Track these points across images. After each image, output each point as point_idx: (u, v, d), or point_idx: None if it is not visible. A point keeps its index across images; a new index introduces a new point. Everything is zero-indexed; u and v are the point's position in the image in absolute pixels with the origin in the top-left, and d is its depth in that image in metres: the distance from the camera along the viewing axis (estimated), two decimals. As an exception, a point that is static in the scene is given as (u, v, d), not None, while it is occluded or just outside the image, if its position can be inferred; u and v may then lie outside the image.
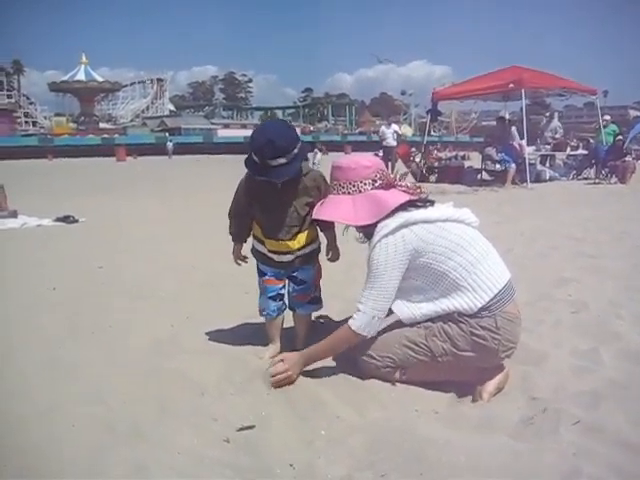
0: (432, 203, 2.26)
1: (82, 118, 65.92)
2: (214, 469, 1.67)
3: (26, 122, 65.35)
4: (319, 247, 2.59)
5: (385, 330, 2.28)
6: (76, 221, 7.31)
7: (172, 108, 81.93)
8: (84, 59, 69.74)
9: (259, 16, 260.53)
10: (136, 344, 2.72)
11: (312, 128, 66.67)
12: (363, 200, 2.22)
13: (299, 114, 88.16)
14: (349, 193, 2.25)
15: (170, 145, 38.69)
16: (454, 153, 17.14)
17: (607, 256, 4.57)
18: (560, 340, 2.68)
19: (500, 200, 9.35)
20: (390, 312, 2.23)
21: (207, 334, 2.85)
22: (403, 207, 2.18)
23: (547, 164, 14.23)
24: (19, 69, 78.36)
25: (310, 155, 12.20)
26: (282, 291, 2.59)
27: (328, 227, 2.54)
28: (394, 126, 16.69)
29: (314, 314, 2.73)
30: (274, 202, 2.41)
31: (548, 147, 14.49)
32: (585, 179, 13.38)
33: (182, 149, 39.68)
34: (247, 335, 2.78)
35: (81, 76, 68.08)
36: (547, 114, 17.25)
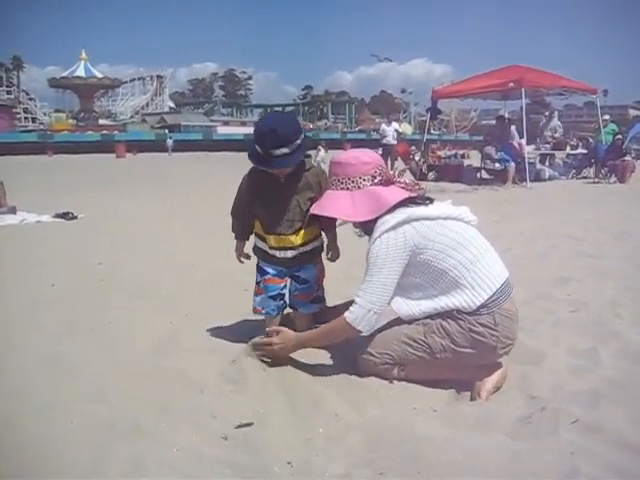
0: (431, 200, 2.26)
1: (82, 114, 65.81)
2: (212, 466, 1.67)
3: (25, 118, 65.25)
4: (322, 245, 2.59)
5: (384, 327, 2.28)
6: (75, 217, 7.31)
7: (172, 105, 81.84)
8: (84, 55, 69.59)
9: (259, 13, 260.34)
10: (135, 342, 2.72)
11: (312, 126, 66.52)
12: (362, 196, 2.22)
13: (299, 112, 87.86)
14: (348, 189, 2.25)
15: (170, 142, 38.61)
16: (453, 152, 17.10)
17: (607, 256, 4.57)
18: (559, 339, 2.68)
19: (499, 199, 9.35)
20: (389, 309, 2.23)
21: (206, 332, 2.85)
22: (403, 203, 2.18)
23: (547, 163, 14.25)
24: (19, 65, 78.30)
25: (313, 153, 12.18)
26: (283, 291, 2.59)
27: (329, 226, 2.54)
28: (395, 124, 16.64)
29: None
30: (277, 196, 2.41)
31: (548, 146, 14.50)
32: (584, 178, 13.40)
33: (182, 146, 39.60)
34: (246, 333, 2.77)
35: (81, 72, 67.94)
36: (547, 113, 17.20)
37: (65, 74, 70.17)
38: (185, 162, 26.57)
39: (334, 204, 2.26)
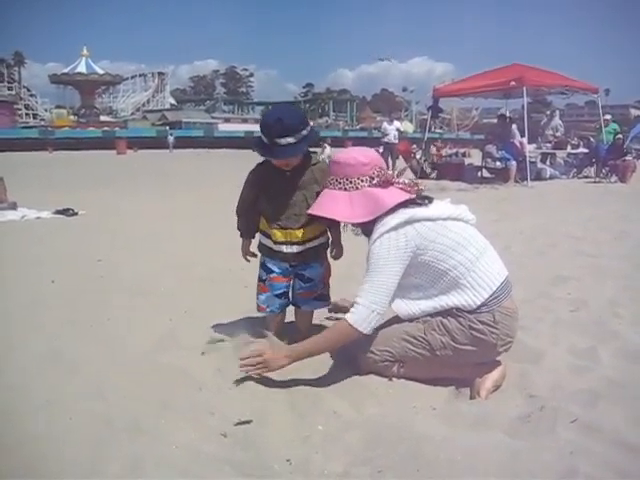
0: (430, 200, 2.25)
1: (83, 111, 65.62)
2: (211, 463, 1.67)
3: (26, 114, 65.17)
4: (327, 242, 2.58)
5: (383, 325, 2.27)
6: (75, 214, 7.30)
7: (173, 102, 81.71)
8: (85, 52, 69.38)
9: (261, 11, 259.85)
10: (134, 339, 2.72)
11: (313, 124, 66.16)
12: (360, 197, 2.20)
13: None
14: (346, 189, 2.23)
15: (171, 139, 38.57)
16: (455, 150, 17.06)
17: (607, 255, 4.57)
18: (558, 338, 2.68)
19: (500, 198, 9.35)
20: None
21: (206, 329, 2.84)
22: (404, 204, 2.17)
23: (548, 162, 14.22)
24: (20, 61, 78.26)
25: (318, 150, 12.16)
26: (288, 289, 2.59)
27: (334, 224, 2.53)
28: (396, 123, 16.59)
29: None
30: (282, 190, 2.41)
31: (549, 145, 14.48)
32: (585, 178, 13.37)
33: (183, 143, 39.53)
34: (246, 330, 2.77)
35: (82, 68, 67.73)
36: (548, 112, 17.17)
37: (66, 70, 69.91)
38: (186, 159, 26.55)
39: (332, 205, 2.25)
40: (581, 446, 1.70)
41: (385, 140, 15.73)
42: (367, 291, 2.12)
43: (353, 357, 2.30)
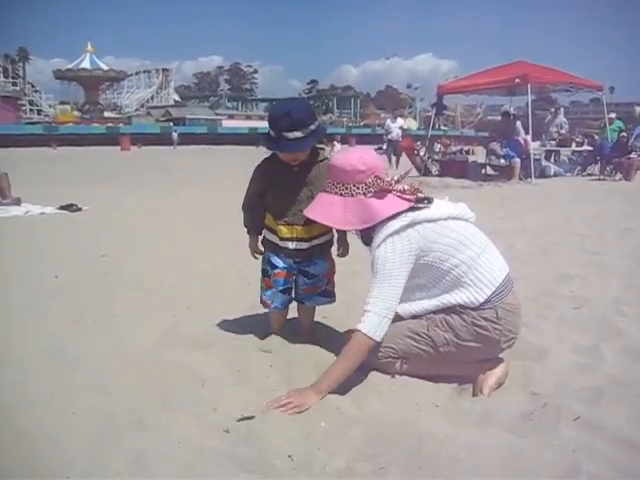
0: (430, 200, 2.23)
1: (87, 107, 65.78)
2: (214, 459, 1.67)
3: (31, 110, 65.45)
4: (332, 239, 2.58)
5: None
6: (79, 209, 7.31)
7: (177, 98, 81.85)
8: (90, 47, 69.48)
9: (266, 7, 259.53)
10: (137, 335, 2.73)
11: (317, 120, 66.29)
12: (354, 205, 2.16)
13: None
14: (341, 194, 2.19)
15: (175, 135, 38.58)
16: (459, 147, 17.01)
17: (611, 253, 4.56)
18: (562, 336, 2.68)
19: (504, 195, 9.32)
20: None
21: (208, 325, 2.84)
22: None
23: (552, 160, 14.18)
24: (24, 57, 78.39)
25: (327, 148, 12.16)
26: (291, 285, 2.58)
27: None
28: (400, 121, 16.57)
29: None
30: (289, 186, 2.40)
31: (553, 143, 14.44)
32: (590, 175, 13.34)
33: (187, 139, 39.56)
34: (248, 326, 2.77)
35: (86, 64, 67.84)
36: (552, 109, 17.09)
37: (71, 66, 70.07)
38: (190, 155, 26.57)
39: (326, 210, 2.21)
40: (584, 444, 1.69)
41: (389, 137, 15.73)
42: (376, 298, 2.08)
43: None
